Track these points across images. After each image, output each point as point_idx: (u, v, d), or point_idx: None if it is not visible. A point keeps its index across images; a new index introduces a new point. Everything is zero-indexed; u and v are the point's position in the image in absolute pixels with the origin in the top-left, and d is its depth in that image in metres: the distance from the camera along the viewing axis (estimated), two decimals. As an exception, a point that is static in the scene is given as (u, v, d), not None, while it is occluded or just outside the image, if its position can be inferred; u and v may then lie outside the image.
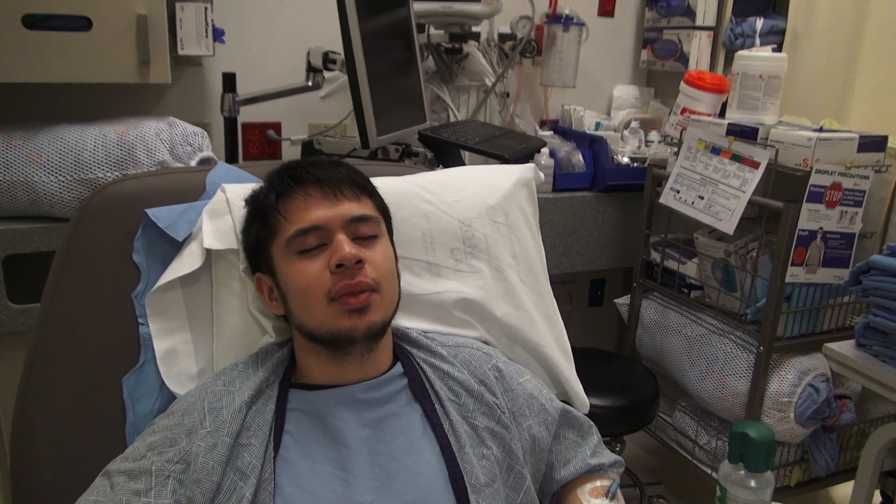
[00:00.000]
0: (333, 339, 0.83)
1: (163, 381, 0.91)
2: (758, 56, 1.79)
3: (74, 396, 0.90)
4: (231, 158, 1.81)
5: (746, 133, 1.70)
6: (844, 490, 2.09)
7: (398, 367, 0.90)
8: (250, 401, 0.83)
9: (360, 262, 0.82)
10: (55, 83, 1.51)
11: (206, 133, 1.63)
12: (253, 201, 0.91)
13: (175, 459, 0.77)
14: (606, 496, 0.92)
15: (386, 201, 0.95)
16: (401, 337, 0.96)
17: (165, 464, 0.77)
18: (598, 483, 0.95)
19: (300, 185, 0.86)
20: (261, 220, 0.88)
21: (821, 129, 1.65)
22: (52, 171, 1.46)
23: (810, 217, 1.58)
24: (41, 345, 0.91)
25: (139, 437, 0.82)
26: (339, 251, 0.81)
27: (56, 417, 0.89)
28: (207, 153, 1.61)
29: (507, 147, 1.77)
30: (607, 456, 1.00)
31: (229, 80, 1.77)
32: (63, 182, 1.47)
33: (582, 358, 1.20)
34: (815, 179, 1.55)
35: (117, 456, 0.81)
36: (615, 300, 2.21)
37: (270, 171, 0.91)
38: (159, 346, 0.92)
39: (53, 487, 0.88)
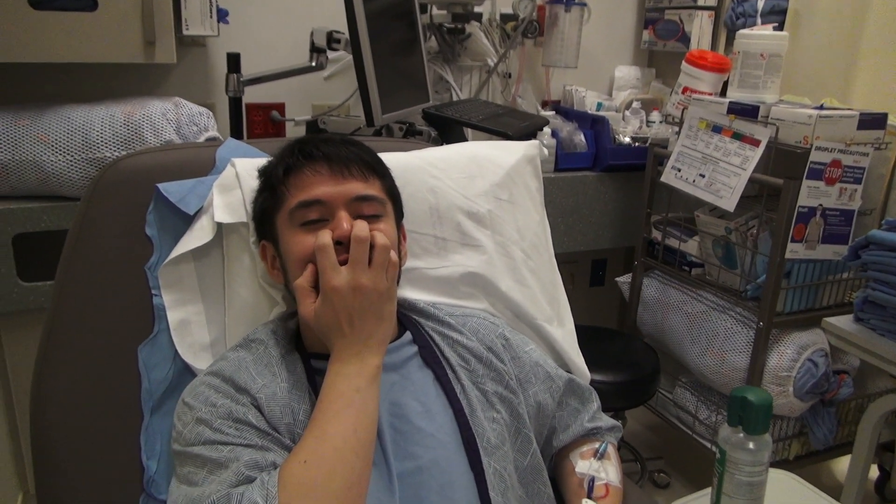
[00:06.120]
0: None
1: (176, 350, 0.94)
2: (759, 35, 1.80)
3: (91, 366, 0.92)
4: (236, 138, 1.82)
5: (747, 111, 1.71)
6: (842, 464, 2.13)
7: (407, 336, 0.93)
8: (281, 362, 0.85)
9: None
10: (61, 63, 1.52)
11: (211, 113, 1.65)
12: (264, 172, 0.93)
13: (246, 403, 0.79)
14: (595, 457, 0.95)
15: (394, 176, 0.97)
16: (408, 308, 0.99)
17: (240, 406, 0.79)
18: (589, 446, 0.99)
19: (309, 160, 0.87)
20: (269, 190, 0.90)
21: (821, 107, 1.67)
22: (60, 150, 1.48)
23: (810, 194, 1.59)
24: (58, 317, 0.93)
25: (192, 414, 0.80)
26: (338, 228, 0.82)
27: (74, 385, 0.91)
28: (213, 133, 1.62)
29: (510, 125, 1.78)
30: (605, 420, 1.03)
31: (234, 61, 1.78)
32: (71, 161, 1.48)
33: (584, 335, 1.23)
34: (815, 156, 1.57)
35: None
36: (616, 278, 2.24)
37: (282, 146, 0.93)
38: (173, 316, 0.94)
39: (74, 454, 0.90)
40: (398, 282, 0.90)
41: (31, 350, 0.93)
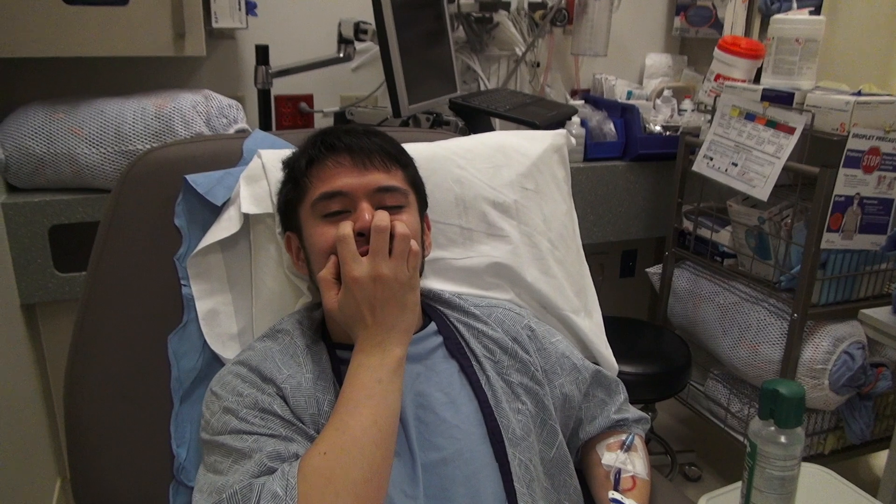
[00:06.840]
0: None
1: (205, 340, 0.95)
2: (794, 19, 1.75)
3: (122, 354, 0.94)
4: (265, 130, 1.83)
5: (782, 98, 1.67)
6: (879, 459, 2.08)
7: (432, 326, 0.92)
8: (307, 352, 0.86)
9: None
10: (93, 57, 1.54)
11: (240, 105, 1.66)
12: (288, 164, 0.93)
13: (272, 393, 0.80)
14: (622, 448, 0.94)
15: (419, 166, 0.96)
16: (433, 298, 0.98)
17: (266, 396, 0.79)
18: (616, 438, 0.98)
19: (332, 151, 0.88)
20: (292, 182, 0.91)
21: (859, 93, 1.62)
22: (93, 143, 1.50)
23: (847, 182, 1.55)
24: (90, 307, 0.95)
25: (219, 404, 0.80)
26: (360, 219, 0.82)
27: (106, 373, 0.93)
28: (242, 125, 1.64)
29: (538, 114, 1.77)
30: (632, 412, 1.02)
31: (262, 53, 1.79)
32: (104, 154, 1.51)
33: (613, 327, 1.21)
34: (852, 144, 1.52)
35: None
36: (647, 269, 2.21)
37: (306, 137, 0.93)
38: (201, 306, 0.96)
39: (106, 441, 0.92)
40: (422, 272, 0.89)
41: (69, 340, 0.94)
